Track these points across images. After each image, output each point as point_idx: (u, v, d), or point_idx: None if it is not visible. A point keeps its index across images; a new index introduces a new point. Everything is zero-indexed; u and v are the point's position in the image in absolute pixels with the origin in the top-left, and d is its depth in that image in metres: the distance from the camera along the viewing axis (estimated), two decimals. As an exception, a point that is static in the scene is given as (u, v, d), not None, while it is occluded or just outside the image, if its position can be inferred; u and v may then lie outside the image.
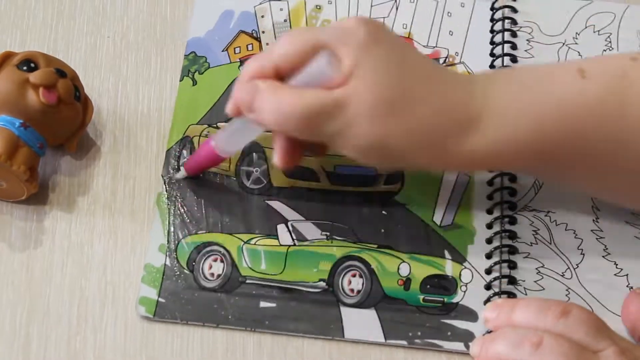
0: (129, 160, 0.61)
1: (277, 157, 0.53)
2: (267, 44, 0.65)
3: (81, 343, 0.55)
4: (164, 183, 0.60)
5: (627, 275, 0.58)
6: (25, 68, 0.57)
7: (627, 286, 0.57)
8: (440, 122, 0.50)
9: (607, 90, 0.50)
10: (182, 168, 0.59)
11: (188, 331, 0.55)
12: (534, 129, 0.50)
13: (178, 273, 0.57)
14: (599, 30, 0.67)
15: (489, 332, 0.54)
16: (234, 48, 0.65)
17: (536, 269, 0.58)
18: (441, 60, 0.66)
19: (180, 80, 0.64)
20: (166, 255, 0.57)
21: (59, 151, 0.61)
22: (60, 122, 0.58)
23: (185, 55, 0.65)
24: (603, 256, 0.58)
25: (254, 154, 0.61)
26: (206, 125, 0.62)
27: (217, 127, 0.62)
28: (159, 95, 0.64)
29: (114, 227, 0.58)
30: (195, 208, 0.59)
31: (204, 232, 0.58)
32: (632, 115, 0.50)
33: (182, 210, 0.59)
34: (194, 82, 0.64)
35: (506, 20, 0.67)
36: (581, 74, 0.51)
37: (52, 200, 0.59)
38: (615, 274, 0.58)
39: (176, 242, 0.58)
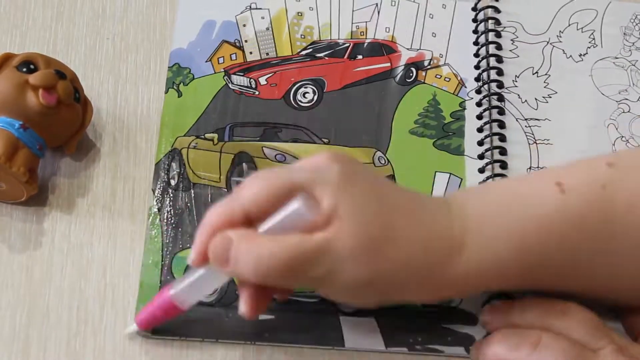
0: (128, 162, 0.61)
1: (245, 308, 0.49)
2: (251, 52, 0.65)
3: (80, 345, 0.55)
4: (154, 197, 0.59)
5: None
6: (24, 69, 0.57)
7: None
8: (425, 252, 0.48)
9: (589, 204, 0.49)
10: (133, 323, 0.54)
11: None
12: (517, 247, 0.49)
13: None
14: (582, 28, 0.67)
15: (489, 334, 0.54)
16: (218, 58, 0.65)
17: None
18: (426, 62, 0.66)
19: (166, 93, 0.63)
20: (161, 272, 0.57)
21: (59, 152, 0.61)
22: (59, 124, 0.58)
23: (169, 67, 0.64)
24: None
25: (244, 164, 0.61)
26: (194, 137, 0.61)
27: (205, 139, 0.61)
28: (159, 96, 0.63)
29: (113, 229, 0.58)
30: (188, 221, 0.58)
31: None
32: (616, 226, 0.49)
33: (174, 224, 0.58)
34: (180, 94, 0.63)
35: (490, 21, 0.67)
36: (560, 188, 0.49)
37: (51, 201, 0.59)
38: None
39: (170, 257, 0.57)
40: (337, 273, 0.47)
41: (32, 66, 0.57)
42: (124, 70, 0.65)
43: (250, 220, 0.48)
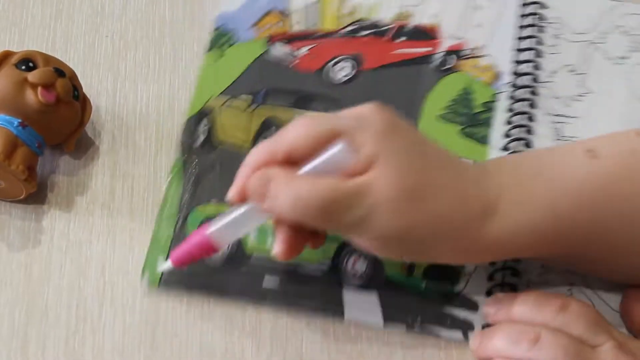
0: (127, 160, 0.61)
1: (279, 249, 0.50)
2: (297, 22, 0.66)
3: (80, 343, 0.55)
4: (182, 150, 0.60)
5: None
6: (23, 67, 0.57)
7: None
8: (461, 210, 0.49)
9: (619, 168, 0.50)
10: (168, 259, 0.53)
11: (187, 331, 0.55)
12: (549, 213, 0.50)
13: None
14: (627, 31, 0.67)
15: (488, 325, 0.54)
16: (263, 25, 0.66)
17: (542, 266, 0.57)
18: (467, 51, 0.66)
19: (208, 51, 0.65)
20: (175, 225, 0.58)
21: (58, 150, 0.61)
22: (58, 122, 0.58)
23: (215, 28, 0.66)
24: None
25: (274, 127, 0.61)
26: (227, 97, 0.63)
27: (240, 99, 0.63)
28: (158, 94, 0.63)
29: (112, 227, 0.58)
30: (210, 177, 0.59)
31: (215, 202, 0.59)
32: None
33: (197, 179, 0.59)
34: (220, 55, 0.65)
35: (535, 16, 0.67)
36: (591, 155, 0.51)
37: (50, 199, 0.59)
38: None
39: (187, 210, 0.58)
40: (371, 221, 0.47)
41: (30, 64, 0.57)
42: (123, 68, 0.65)
43: (291, 163, 0.49)
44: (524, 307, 0.52)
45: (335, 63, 0.65)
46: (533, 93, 0.64)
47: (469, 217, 0.49)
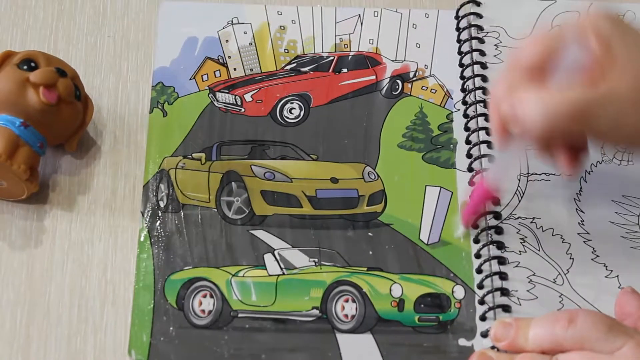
0: (129, 160, 0.61)
1: (563, 168, 0.55)
2: (235, 69, 0.65)
3: (81, 343, 0.55)
4: (143, 219, 0.58)
5: (617, 276, 0.58)
6: (25, 67, 0.57)
7: (618, 287, 0.57)
8: None
9: None
10: (460, 227, 0.59)
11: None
12: None
13: (168, 313, 0.55)
14: None
15: (493, 347, 0.53)
16: (202, 75, 0.64)
17: (527, 277, 0.57)
18: (411, 74, 0.65)
19: (150, 112, 0.62)
20: (154, 295, 0.56)
21: (59, 150, 0.61)
22: (60, 122, 0.58)
23: (152, 86, 0.63)
24: (592, 259, 0.58)
25: (233, 183, 0.60)
26: (181, 157, 0.61)
27: (193, 158, 0.60)
28: (160, 94, 0.63)
29: (114, 226, 0.58)
30: (179, 243, 0.58)
31: (190, 267, 0.57)
32: None
33: (165, 246, 0.58)
34: (165, 113, 0.62)
35: (472, 28, 0.66)
36: None
37: (52, 199, 0.59)
38: (606, 276, 0.58)
39: (163, 280, 0.56)
40: (620, 121, 0.49)
41: (32, 64, 0.57)
42: (125, 69, 0.65)
43: (531, 80, 0.51)
44: (539, 328, 0.50)
45: (283, 105, 0.63)
46: (486, 107, 0.63)
47: None
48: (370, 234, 0.59)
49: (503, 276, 0.57)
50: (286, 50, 0.66)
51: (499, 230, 0.59)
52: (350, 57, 0.66)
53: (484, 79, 0.64)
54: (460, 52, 0.66)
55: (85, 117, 0.60)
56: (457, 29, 0.67)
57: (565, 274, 0.57)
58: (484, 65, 0.65)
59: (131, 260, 0.57)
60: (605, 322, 0.49)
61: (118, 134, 0.62)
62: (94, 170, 0.60)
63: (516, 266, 0.58)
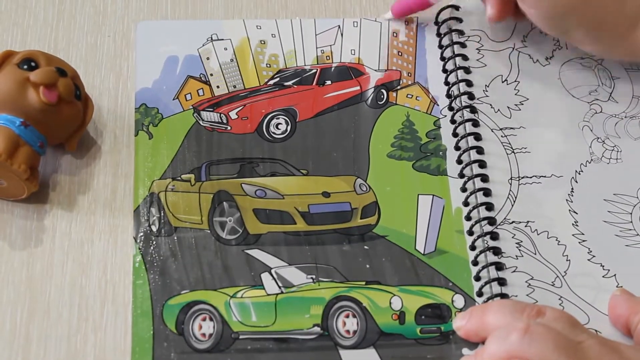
0: (129, 159, 0.61)
1: (491, 11, 0.62)
2: (217, 86, 0.64)
3: (81, 342, 0.55)
4: (136, 245, 0.58)
5: (615, 275, 0.58)
6: (25, 67, 0.57)
7: (617, 286, 0.57)
8: (620, 9, 0.59)
9: None
10: (388, 12, 0.67)
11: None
12: None
13: (168, 338, 0.55)
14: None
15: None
16: (185, 95, 0.63)
17: (526, 282, 0.57)
18: (395, 83, 0.65)
19: (136, 135, 0.61)
20: (153, 322, 0.55)
21: (60, 150, 0.61)
22: (60, 121, 0.58)
23: (135, 108, 0.62)
24: (588, 259, 0.59)
25: (225, 203, 0.59)
26: (170, 179, 0.60)
27: (182, 180, 0.60)
28: (160, 94, 0.64)
29: (114, 226, 0.58)
30: (174, 267, 0.57)
31: (187, 291, 0.56)
32: None
33: (161, 271, 0.57)
34: (150, 136, 0.61)
35: (453, 33, 0.66)
36: None
37: (52, 199, 0.59)
38: (603, 276, 0.58)
39: (161, 306, 0.56)
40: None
41: (33, 63, 0.57)
42: (125, 68, 0.65)
43: None
44: (498, 315, 0.52)
45: (270, 121, 0.63)
46: (473, 111, 0.63)
47: (624, 16, 0.59)
48: (366, 247, 0.59)
49: (502, 282, 0.57)
50: (268, 65, 0.65)
51: (494, 236, 0.59)
52: (333, 68, 0.66)
53: (469, 83, 0.64)
54: (443, 58, 0.66)
55: (86, 116, 0.60)
56: (438, 34, 0.67)
57: (563, 276, 0.58)
58: (467, 70, 0.65)
59: (131, 259, 0.57)
60: (570, 319, 0.52)
61: (118, 133, 0.62)
62: (94, 170, 0.61)
63: (514, 271, 0.58)
